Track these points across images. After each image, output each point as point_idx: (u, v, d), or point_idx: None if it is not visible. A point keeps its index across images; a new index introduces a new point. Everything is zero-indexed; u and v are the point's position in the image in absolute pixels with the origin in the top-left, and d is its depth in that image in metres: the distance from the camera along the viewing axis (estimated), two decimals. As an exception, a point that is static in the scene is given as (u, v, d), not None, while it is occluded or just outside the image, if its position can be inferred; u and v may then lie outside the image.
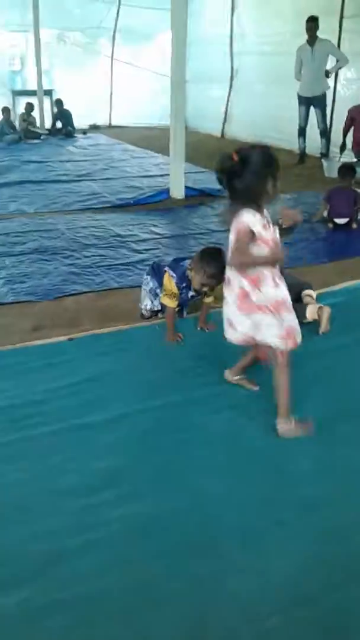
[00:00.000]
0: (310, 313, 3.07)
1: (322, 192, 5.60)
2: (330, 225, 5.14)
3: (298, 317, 2.91)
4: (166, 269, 2.97)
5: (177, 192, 6.10)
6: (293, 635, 1.51)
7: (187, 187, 6.16)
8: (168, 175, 6.24)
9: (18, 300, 3.59)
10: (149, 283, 3.13)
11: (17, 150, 9.10)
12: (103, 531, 1.82)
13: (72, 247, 4.61)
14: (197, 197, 6.14)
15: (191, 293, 2.99)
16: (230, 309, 2.30)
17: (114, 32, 11.87)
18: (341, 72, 7.77)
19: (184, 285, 2.93)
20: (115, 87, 12.33)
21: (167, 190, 6.09)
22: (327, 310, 3.10)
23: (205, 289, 2.87)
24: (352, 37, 7.59)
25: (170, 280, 2.91)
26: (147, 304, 3.16)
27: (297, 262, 4.27)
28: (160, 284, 3.00)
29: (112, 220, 5.36)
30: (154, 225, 5.21)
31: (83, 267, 4.16)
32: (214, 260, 2.75)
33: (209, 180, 6.78)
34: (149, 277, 3.14)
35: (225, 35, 10.35)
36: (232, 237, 2.21)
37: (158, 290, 3.05)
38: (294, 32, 8.35)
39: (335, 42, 7.57)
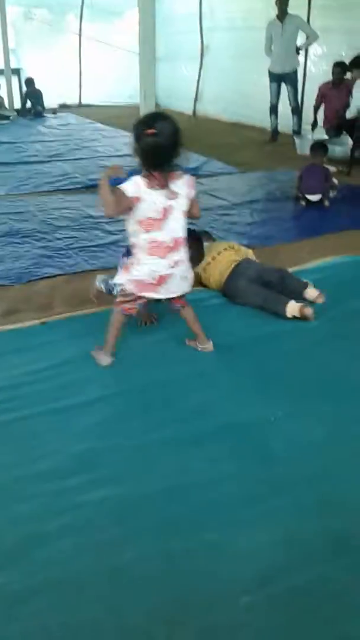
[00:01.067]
0: (291, 309, 3.00)
1: (295, 169, 5.60)
2: (303, 203, 5.15)
3: (278, 310, 2.94)
4: None
5: (150, 172, 6.03)
6: (268, 611, 1.53)
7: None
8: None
9: (-11, 285, 3.54)
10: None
11: (-16, 132, 8.90)
12: (78, 515, 1.82)
13: (44, 229, 4.55)
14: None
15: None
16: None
17: (82, 8, 11.60)
18: (311, 49, 7.72)
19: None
20: (84, 65, 12.09)
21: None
22: (309, 311, 3.01)
23: None
24: (321, 13, 7.51)
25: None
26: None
27: (269, 241, 4.29)
28: None
29: (84, 201, 5.29)
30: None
31: (55, 250, 4.11)
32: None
33: (182, 159, 6.74)
34: (125, 258, 3.08)
35: (195, 12, 10.19)
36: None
37: None
38: (264, 7, 8.26)
39: (304, 18, 7.50)
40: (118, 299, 2.58)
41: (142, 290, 2.49)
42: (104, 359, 2.62)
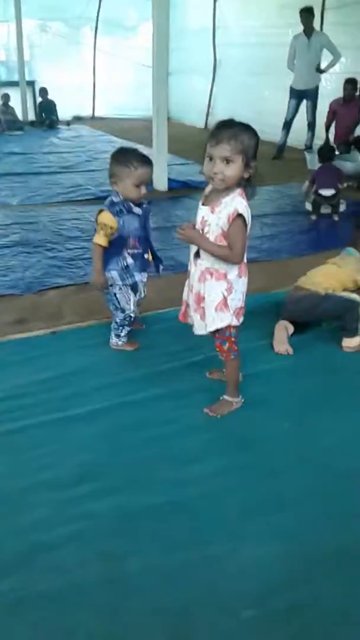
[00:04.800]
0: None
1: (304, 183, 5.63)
2: (313, 217, 5.17)
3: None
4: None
5: (160, 184, 6.10)
6: (270, 626, 1.52)
7: (170, 179, 6.16)
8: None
9: (0, 294, 3.57)
10: None
11: (-1, 142, 9.02)
12: (82, 525, 1.82)
13: (55, 239, 4.59)
14: (180, 189, 6.14)
15: (136, 210, 2.57)
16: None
17: (97, 22, 11.77)
18: (322, 65, 7.80)
19: (118, 209, 2.53)
20: (98, 78, 12.25)
21: (150, 182, 6.08)
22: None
23: (143, 191, 2.52)
24: (333, 30, 7.60)
25: (103, 214, 2.56)
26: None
27: (278, 255, 4.30)
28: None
29: (95, 212, 5.31)
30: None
31: (66, 260, 4.15)
32: (127, 151, 2.55)
33: (192, 172, 6.79)
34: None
35: (208, 26, 10.32)
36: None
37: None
38: (277, 23, 8.37)
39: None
40: (229, 346, 2.32)
41: (240, 317, 2.29)
42: (235, 405, 2.41)
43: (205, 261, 2.20)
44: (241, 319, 2.29)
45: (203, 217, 2.17)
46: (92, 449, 2.18)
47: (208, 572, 1.67)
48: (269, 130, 8.19)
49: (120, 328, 2.82)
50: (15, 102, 10.64)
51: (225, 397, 2.42)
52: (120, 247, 2.59)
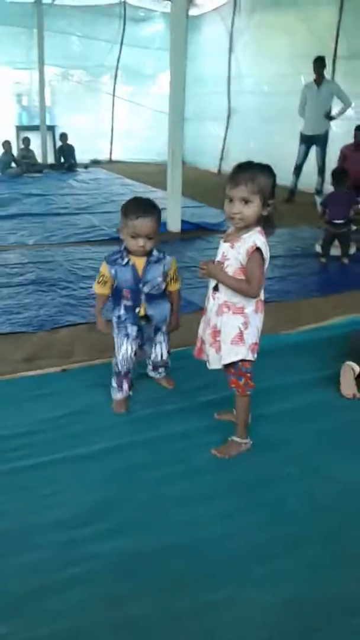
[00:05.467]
0: None
1: (315, 228, 5.70)
2: (323, 260, 5.22)
3: None
4: None
5: (174, 226, 6.21)
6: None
7: (183, 221, 6.27)
8: (165, 209, 6.35)
9: (14, 331, 3.63)
10: None
11: (18, 184, 9.26)
12: (89, 566, 1.81)
13: (69, 278, 4.67)
14: (193, 231, 6.24)
15: (132, 262, 2.47)
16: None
17: (116, 70, 12.21)
18: (333, 111, 7.98)
19: (114, 258, 2.51)
20: (116, 123, 12.63)
21: (164, 224, 6.20)
22: None
23: (141, 244, 2.41)
24: (345, 78, 7.83)
25: (102, 263, 2.57)
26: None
27: (287, 296, 4.33)
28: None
29: (108, 253, 5.41)
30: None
31: (79, 299, 4.21)
32: (131, 201, 2.48)
33: (206, 215, 6.93)
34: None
35: (223, 75, 10.65)
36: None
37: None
38: (290, 72, 8.63)
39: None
40: (245, 381, 2.33)
41: (255, 353, 2.30)
42: (243, 447, 2.42)
43: (223, 295, 2.25)
44: (255, 355, 2.31)
45: (223, 253, 2.25)
46: (100, 488, 2.18)
47: (212, 619, 1.64)
48: (281, 174, 8.26)
49: (113, 376, 2.71)
50: (35, 146, 10.97)
51: (234, 438, 2.42)
52: (119, 297, 2.58)
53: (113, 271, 2.51)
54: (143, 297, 2.53)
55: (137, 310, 2.56)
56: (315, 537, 1.96)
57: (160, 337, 2.73)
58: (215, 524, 2.01)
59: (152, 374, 2.91)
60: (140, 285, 2.51)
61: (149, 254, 2.49)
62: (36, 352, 3.33)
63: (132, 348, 2.62)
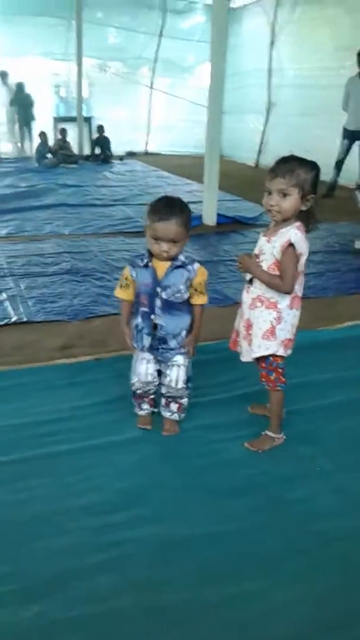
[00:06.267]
0: None
1: (355, 223, 5.60)
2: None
3: None
4: None
5: (210, 219, 6.18)
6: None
7: (219, 215, 6.23)
8: (201, 202, 6.33)
9: (48, 320, 3.66)
10: None
11: (54, 174, 9.35)
12: (120, 552, 1.82)
13: (104, 269, 4.69)
14: (229, 224, 6.20)
15: (147, 276, 2.24)
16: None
17: (154, 62, 12.19)
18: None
19: (138, 260, 2.28)
20: (153, 115, 12.62)
21: (200, 217, 6.18)
22: None
23: (165, 249, 2.19)
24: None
25: (126, 267, 2.34)
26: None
27: (325, 292, 4.27)
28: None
29: (144, 244, 5.40)
30: (185, 251, 5.22)
31: (113, 289, 4.20)
32: (158, 201, 2.25)
33: (242, 208, 6.88)
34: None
35: (264, 68, 10.55)
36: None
37: None
38: (333, 66, 8.49)
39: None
40: (276, 376, 2.31)
41: (288, 349, 2.29)
42: (276, 441, 2.40)
43: (257, 289, 2.23)
44: (289, 351, 2.28)
45: (260, 247, 2.24)
46: (131, 476, 2.18)
47: (243, 609, 1.63)
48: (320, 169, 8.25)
49: (132, 396, 2.50)
50: (71, 137, 11.05)
51: (268, 432, 2.39)
52: (137, 304, 2.33)
53: (134, 273, 2.28)
54: (159, 302, 2.25)
55: (152, 317, 2.28)
56: (348, 533, 1.93)
57: (179, 359, 2.34)
58: (247, 516, 1.99)
59: (163, 410, 2.48)
60: (159, 290, 2.24)
61: (174, 258, 2.25)
62: (71, 341, 3.35)
63: (148, 370, 2.37)
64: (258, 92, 10.75)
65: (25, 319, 3.64)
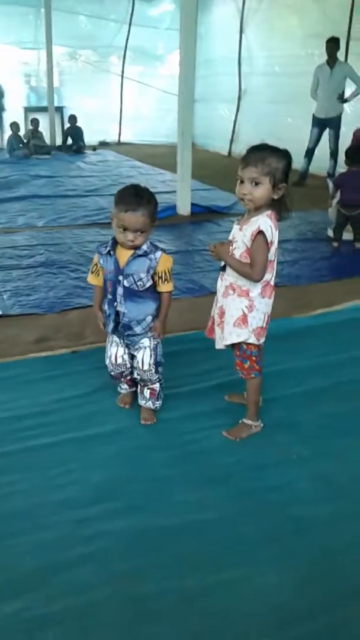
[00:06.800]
0: None
1: (325, 211, 5.65)
2: (335, 244, 5.17)
3: None
4: None
5: (184, 209, 6.17)
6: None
7: (193, 204, 6.22)
8: (175, 192, 6.31)
9: (24, 313, 3.63)
10: None
11: (26, 165, 9.22)
12: (99, 544, 1.83)
13: (79, 261, 4.66)
14: (203, 214, 6.20)
15: (110, 264, 2.29)
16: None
17: (125, 51, 12.06)
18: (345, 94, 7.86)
19: (104, 247, 2.34)
20: (124, 105, 12.51)
21: (174, 207, 6.16)
22: None
23: (130, 238, 2.21)
24: (358, 60, 7.69)
25: (95, 255, 2.40)
26: None
27: (298, 281, 4.31)
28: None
29: (118, 235, 5.40)
30: (160, 241, 5.25)
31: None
32: (125, 190, 2.28)
33: (216, 198, 6.88)
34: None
35: (234, 56, 10.51)
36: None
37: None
38: (302, 53, 8.51)
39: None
40: (250, 364, 2.32)
41: (261, 338, 2.30)
42: (254, 429, 2.42)
43: (230, 277, 2.25)
44: (262, 339, 2.30)
45: (233, 235, 2.25)
46: (111, 468, 2.19)
47: (223, 597, 1.66)
48: (293, 158, 8.29)
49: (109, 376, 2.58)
50: (43, 127, 10.88)
51: (245, 420, 2.42)
52: (105, 290, 2.38)
53: (102, 261, 2.34)
54: (121, 290, 2.29)
55: (115, 304, 2.33)
56: (326, 519, 1.96)
57: (145, 341, 2.38)
58: (225, 505, 2.02)
59: (139, 399, 2.53)
60: (120, 278, 2.27)
61: (137, 246, 2.26)
62: (46, 334, 3.33)
63: (118, 352, 2.44)
64: (229, 80, 10.72)
65: (0, 313, 3.61)
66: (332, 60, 7.43)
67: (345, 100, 7.55)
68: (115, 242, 2.31)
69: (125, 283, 2.28)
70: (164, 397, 2.54)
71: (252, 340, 2.26)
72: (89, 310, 3.67)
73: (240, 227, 2.21)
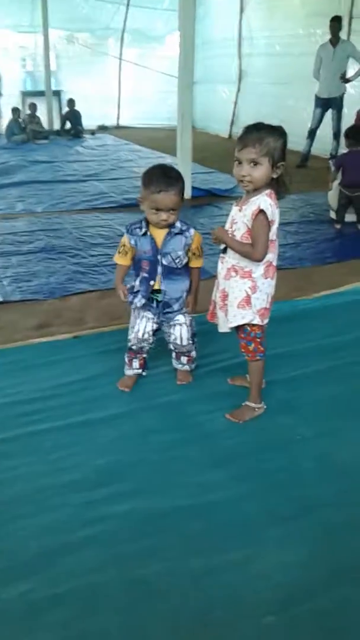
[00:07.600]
0: None
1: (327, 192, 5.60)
2: (338, 226, 5.14)
3: None
4: None
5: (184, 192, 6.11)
6: (291, 632, 1.51)
7: (194, 188, 6.17)
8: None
9: (24, 299, 3.61)
10: None
11: (25, 151, 9.16)
12: (104, 527, 1.83)
13: (79, 246, 4.64)
14: (204, 197, 6.16)
15: (146, 244, 2.36)
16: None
17: (122, 33, 11.92)
18: (348, 74, 7.77)
19: (134, 227, 2.38)
20: (123, 88, 12.38)
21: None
22: None
23: (164, 217, 2.28)
24: (360, 38, 7.59)
25: (124, 235, 2.45)
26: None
27: (301, 263, 4.28)
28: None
29: (118, 219, 5.38)
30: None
31: (89, 266, 4.19)
32: (153, 170, 2.30)
33: (216, 181, 6.82)
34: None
35: (234, 37, 10.37)
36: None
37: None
38: (303, 33, 8.39)
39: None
40: (255, 346, 2.32)
41: (265, 319, 2.29)
42: (257, 411, 2.42)
43: (232, 259, 2.23)
44: (266, 320, 2.29)
45: (232, 217, 2.23)
46: (113, 452, 2.19)
47: (228, 577, 1.66)
48: (293, 138, 8.09)
49: (126, 350, 2.62)
50: (40, 112, 10.79)
51: (248, 403, 2.41)
52: (138, 268, 2.45)
53: (133, 241, 2.38)
54: (160, 269, 2.39)
55: (151, 283, 2.42)
56: (329, 499, 1.96)
57: (180, 318, 2.50)
58: (229, 486, 2.02)
59: (175, 363, 2.67)
60: (159, 257, 2.36)
61: (171, 225, 2.33)
62: (47, 320, 3.32)
63: (146, 328, 2.50)
64: (229, 62, 10.60)
65: (0, 299, 3.59)
66: (335, 40, 7.32)
67: (348, 80, 7.45)
68: (147, 222, 2.36)
69: (164, 261, 2.37)
70: (166, 381, 2.54)
71: (257, 321, 2.25)
72: (90, 295, 3.68)
73: (239, 208, 2.18)
